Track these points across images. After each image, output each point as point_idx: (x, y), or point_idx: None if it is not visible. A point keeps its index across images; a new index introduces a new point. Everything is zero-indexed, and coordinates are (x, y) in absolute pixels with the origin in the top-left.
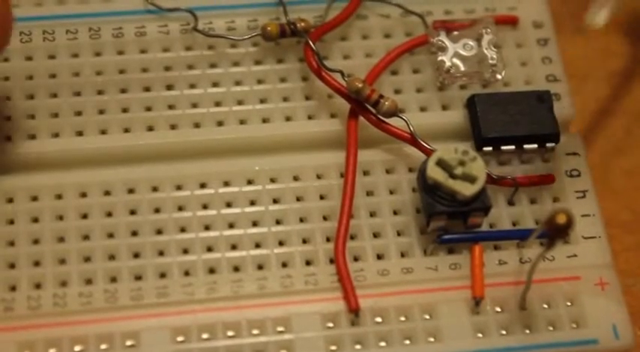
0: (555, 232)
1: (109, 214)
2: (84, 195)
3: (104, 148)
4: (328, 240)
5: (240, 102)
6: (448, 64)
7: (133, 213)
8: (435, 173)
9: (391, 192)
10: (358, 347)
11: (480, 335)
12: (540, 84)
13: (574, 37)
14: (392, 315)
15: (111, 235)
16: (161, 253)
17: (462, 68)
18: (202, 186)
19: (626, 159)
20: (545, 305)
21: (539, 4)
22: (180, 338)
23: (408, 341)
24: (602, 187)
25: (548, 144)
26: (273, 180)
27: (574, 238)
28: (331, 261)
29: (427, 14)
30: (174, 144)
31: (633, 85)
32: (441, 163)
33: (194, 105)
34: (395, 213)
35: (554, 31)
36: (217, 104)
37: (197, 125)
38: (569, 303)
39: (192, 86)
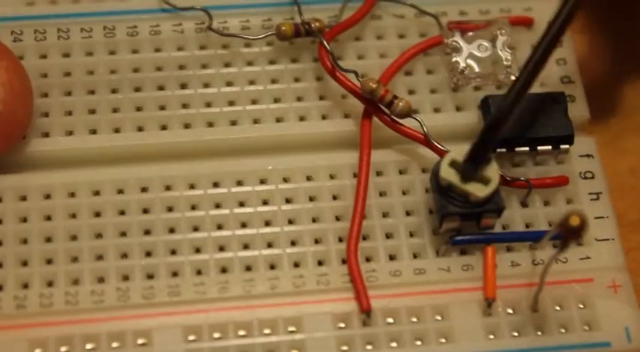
0: (569, 234)
1: (122, 212)
2: (97, 193)
3: (117, 147)
4: (340, 240)
5: (254, 102)
6: (462, 65)
7: (145, 211)
8: (448, 174)
9: (404, 193)
10: (369, 347)
11: (492, 336)
12: (555, 85)
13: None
14: (403, 316)
15: (123, 233)
16: (173, 252)
17: (477, 69)
18: (215, 185)
19: (634, 158)
20: (558, 307)
21: (554, 5)
22: (191, 337)
23: (419, 342)
24: (610, 186)
25: (563, 146)
26: (286, 180)
27: (587, 240)
28: (343, 262)
29: (442, 15)
30: (188, 143)
31: None
32: (454, 164)
33: (208, 105)
34: (408, 213)
35: (569, 32)
36: (231, 103)
37: (210, 124)
38: (581, 305)
39: (206, 85)
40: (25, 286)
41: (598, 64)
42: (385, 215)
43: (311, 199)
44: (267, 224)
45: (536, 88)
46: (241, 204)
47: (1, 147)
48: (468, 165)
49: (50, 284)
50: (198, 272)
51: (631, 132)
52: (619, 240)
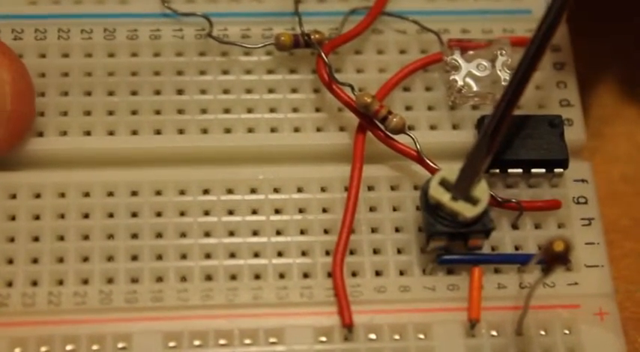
0: (552, 259)
1: (111, 215)
2: (87, 194)
3: (110, 149)
4: (327, 253)
5: (249, 111)
6: (460, 83)
7: (134, 215)
8: (437, 193)
9: (394, 209)
10: None
11: None
12: (553, 108)
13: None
14: (386, 333)
15: (110, 236)
16: (159, 257)
17: (475, 88)
18: (205, 192)
19: (626, 165)
20: (543, 332)
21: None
22: (171, 344)
23: None
24: (602, 193)
25: (557, 170)
26: (276, 190)
27: (576, 266)
28: (329, 275)
29: (444, 32)
30: (181, 148)
31: (635, 91)
32: (444, 183)
33: (203, 111)
34: (397, 230)
35: (572, 55)
36: (226, 111)
37: (205, 131)
38: (566, 331)
39: (203, 92)
40: (9, 284)
41: (590, 73)
42: (374, 230)
43: (300, 211)
44: (255, 233)
45: (534, 110)
46: (230, 213)
47: (9, 146)
48: (458, 186)
49: (34, 283)
50: (183, 279)
51: (623, 138)
52: (608, 268)
